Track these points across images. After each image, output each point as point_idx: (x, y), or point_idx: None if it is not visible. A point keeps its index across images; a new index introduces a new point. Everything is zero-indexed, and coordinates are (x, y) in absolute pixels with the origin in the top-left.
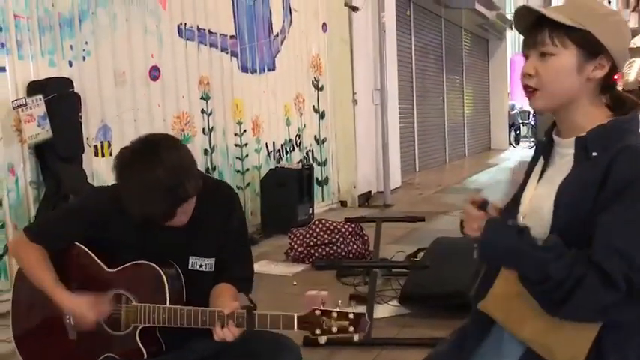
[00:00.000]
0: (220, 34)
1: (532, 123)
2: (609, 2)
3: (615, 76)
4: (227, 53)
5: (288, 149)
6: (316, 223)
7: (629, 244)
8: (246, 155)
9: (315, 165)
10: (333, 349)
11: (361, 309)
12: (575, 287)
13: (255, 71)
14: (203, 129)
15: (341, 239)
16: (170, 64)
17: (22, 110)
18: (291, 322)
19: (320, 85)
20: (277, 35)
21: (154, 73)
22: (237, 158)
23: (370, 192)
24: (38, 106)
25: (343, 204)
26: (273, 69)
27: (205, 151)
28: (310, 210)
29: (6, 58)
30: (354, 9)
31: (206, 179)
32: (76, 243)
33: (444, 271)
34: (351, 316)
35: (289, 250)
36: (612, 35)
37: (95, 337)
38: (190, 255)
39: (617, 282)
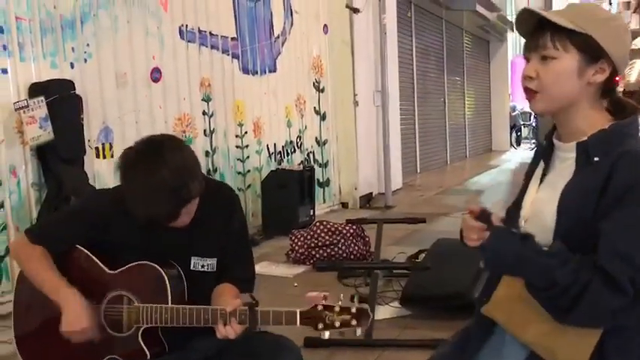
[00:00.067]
0: (221, 36)
1: (533, 124)
2: (610, 4)
3: (617, 78)
4: (228, 55)
5: (289, 151)
6: (317, 224)
7: (632, 247)
8: (248, 157)
9: (316, 166)
10: (334, 350)
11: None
12: (583, 293)
13: (257, 73)
14: (204, 130)
15: (342, 241)
16: (171, 66)
17: (24, 112)
18: (294, 318)
19: (321, 87)
20: (278, 37)
21: (156, 74)
22: (238, 160)
23: (371, 193)
24: (40, 108)
25: (344, 205)
26: (274, 70)
27: (207, 153)
28: (311, 211)
29: (8, 60)
30: (355, 10)
31: (208, 181)
32: (77, 246)
33: (444, 273)
34: (353, 310)
35: (290, 252)
36: (613, 40)
37: (97, 338)
38: (192, 255)
39: (624, 286)
